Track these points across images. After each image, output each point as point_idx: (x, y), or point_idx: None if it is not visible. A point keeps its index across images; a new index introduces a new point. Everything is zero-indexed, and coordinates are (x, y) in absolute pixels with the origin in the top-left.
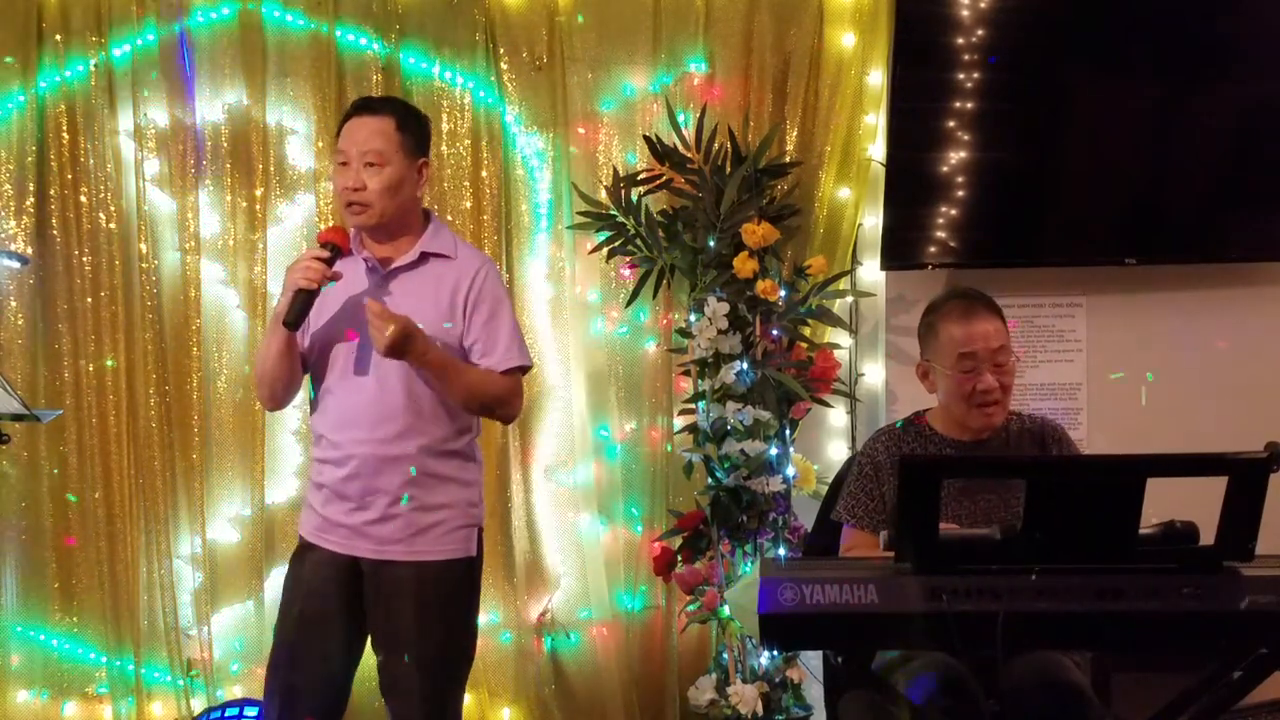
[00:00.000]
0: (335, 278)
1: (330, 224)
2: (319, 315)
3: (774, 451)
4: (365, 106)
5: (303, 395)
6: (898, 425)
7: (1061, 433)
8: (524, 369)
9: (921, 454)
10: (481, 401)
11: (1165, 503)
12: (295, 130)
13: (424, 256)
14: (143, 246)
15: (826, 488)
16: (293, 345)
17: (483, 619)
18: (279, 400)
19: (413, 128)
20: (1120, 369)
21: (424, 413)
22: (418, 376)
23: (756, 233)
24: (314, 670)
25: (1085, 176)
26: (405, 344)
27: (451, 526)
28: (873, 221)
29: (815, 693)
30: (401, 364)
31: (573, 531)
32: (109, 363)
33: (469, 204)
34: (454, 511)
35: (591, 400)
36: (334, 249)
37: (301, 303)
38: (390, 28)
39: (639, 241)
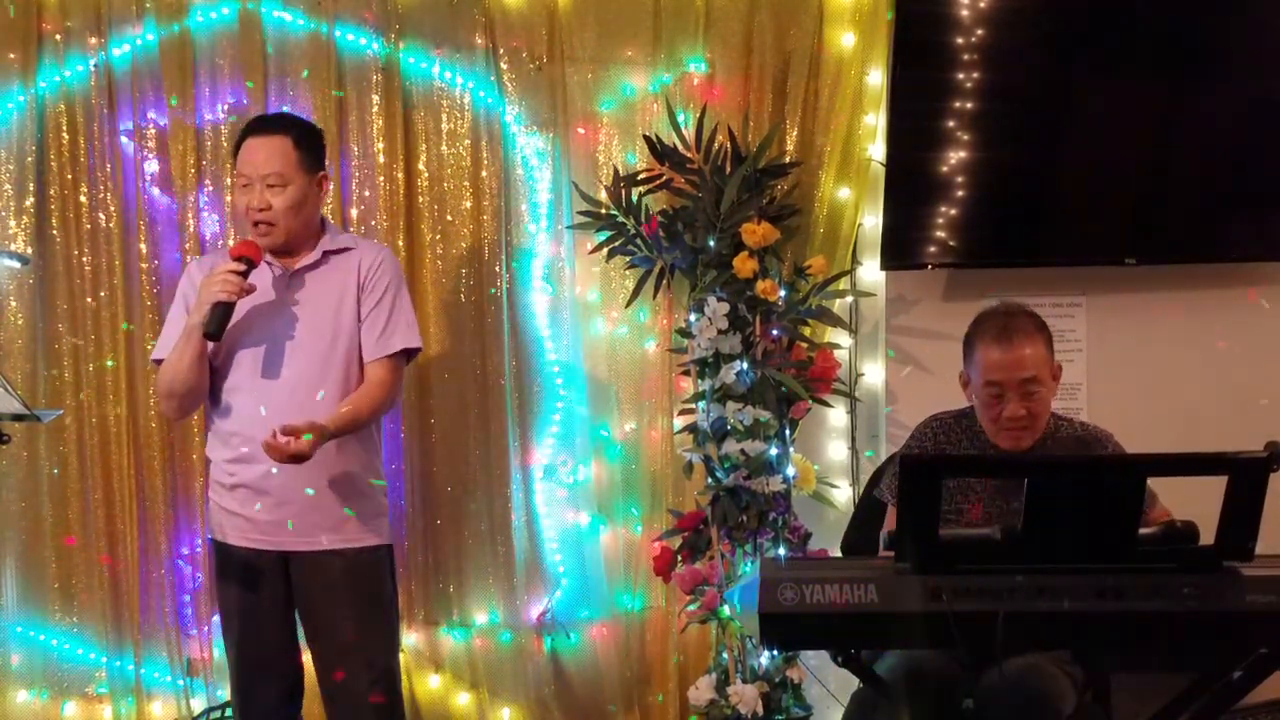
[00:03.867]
0: (251, 290)
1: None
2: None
3: (774, 451)
4: (261, 126)
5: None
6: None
7: (1113, 443)
8: (409, 351)
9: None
10: (376, 414)
11: (1165, 502)
12: None
13: (325, 255)
14: (143, 246)
15: (829, 488)
16: (204, 356)
17: (482, 619)
18: (186, 410)
19: (310, 144)
20: (1121, 369)
21: (339, 404)
22: (333, 369)
23: (756, 233)
24: (264, 670)
25: (1085, 176)
26: (316, 442)
27: (372, 513)
28: (873, 221)
29: (815, 692)
30: (316, 360)
31: (573, 531)
32: (109, 363)
33: (469, 204)
34: (372, 501)
35: (591, 400)
36: (249, 262)
37: (221, 314)
38: (390, 28)
39: (639, 241)
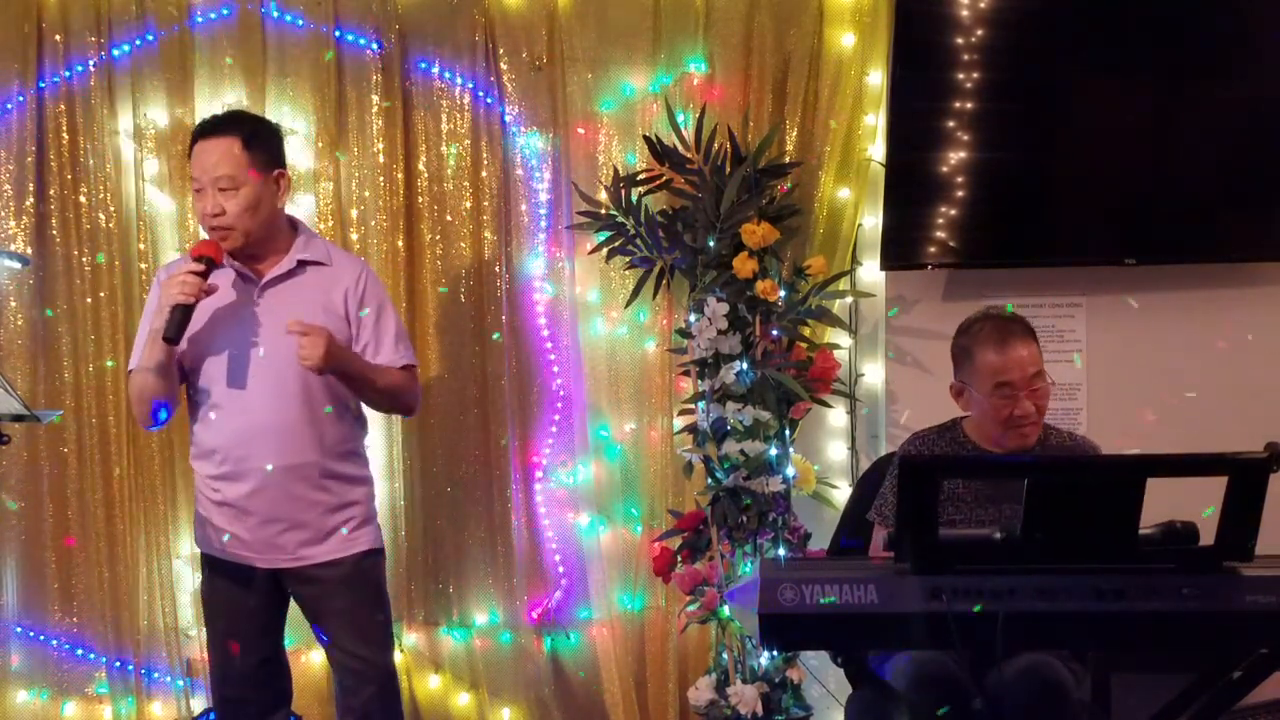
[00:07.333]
0: (211, 291)
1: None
2: (191, 329)
3: (774, 452)
4: (208, 129)
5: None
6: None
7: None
8: (413, 366)
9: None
10: (391, 397)
11: (1165, 503)
12: (295, 130)
13: (300, 265)
14: (142, 246)
15: (828, 488)
16: (171, 361)
17: (482, 619)
18: (159, 417)
19: (262, 142)
20: (1121, 369)
21: (322, 418)
22: (312, 383)
23: (756, 233)
24: (249, 681)
25: (1085, 176)
26: (334, 354)
27: (359, 522)
28: (873, 221)
29: (815, 693)
30: (297, 372)
31: (573, 531)
32: (109, 363)
33: (469, 204)
34: (360, 508)
35: (591, 400)
36: (208, 262)
37: (180, 317)
38: (390, 28)
39: (639, 241)
